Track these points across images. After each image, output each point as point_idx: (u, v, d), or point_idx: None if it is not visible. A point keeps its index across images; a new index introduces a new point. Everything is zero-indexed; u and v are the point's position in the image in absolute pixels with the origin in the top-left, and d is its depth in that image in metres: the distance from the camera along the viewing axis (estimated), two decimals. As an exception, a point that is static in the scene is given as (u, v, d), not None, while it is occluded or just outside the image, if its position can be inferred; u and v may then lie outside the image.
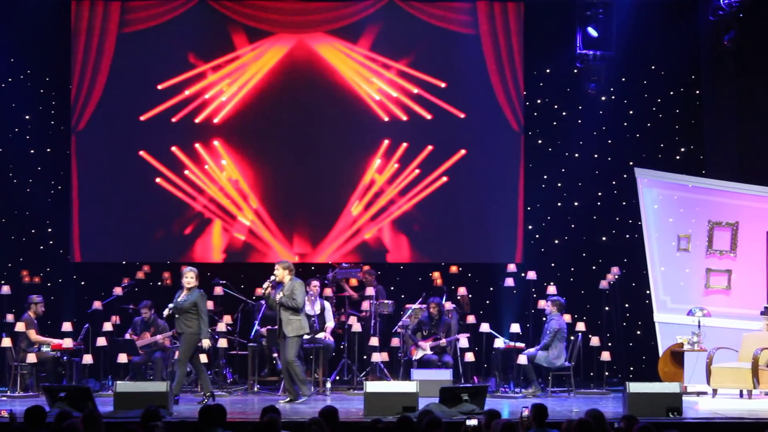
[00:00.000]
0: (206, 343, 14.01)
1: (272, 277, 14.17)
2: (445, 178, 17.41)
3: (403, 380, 14.86)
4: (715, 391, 14.83)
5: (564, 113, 17.74)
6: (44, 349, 15.38)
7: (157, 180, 17.33)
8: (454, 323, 15.99)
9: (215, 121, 17.34)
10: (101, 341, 15.43)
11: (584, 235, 17.63)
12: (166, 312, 14.25)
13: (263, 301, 15.79)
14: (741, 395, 14.81)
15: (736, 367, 14.77)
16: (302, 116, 17.35)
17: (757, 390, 14.60)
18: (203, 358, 15.21)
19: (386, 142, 17.42)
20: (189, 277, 14.07)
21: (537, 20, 17.45)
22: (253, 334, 16.03)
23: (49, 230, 17.43)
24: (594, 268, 17.30)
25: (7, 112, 17.27)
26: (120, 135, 17.28)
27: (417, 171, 17.43)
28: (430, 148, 17.43)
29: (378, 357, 15.50)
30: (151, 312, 15.76)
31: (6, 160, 17.34)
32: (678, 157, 17.57)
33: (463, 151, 17.44)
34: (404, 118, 17.43)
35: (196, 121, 17.33)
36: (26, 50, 17.22)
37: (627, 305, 17.34)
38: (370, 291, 16.23)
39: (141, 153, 17.31)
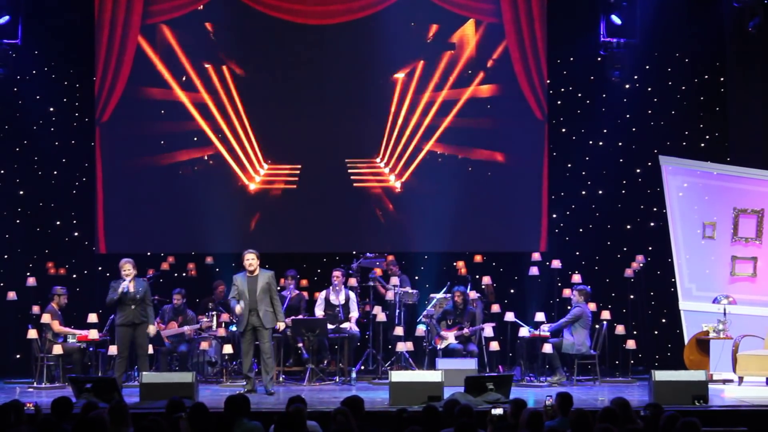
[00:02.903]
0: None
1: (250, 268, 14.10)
2: (469, 168, 17.41)
3: (428, 369, 14.88)
4: (741, 379, 14.76)
5: (588, 101, 17.68)
6: (70, 340, 15.42)
7: (181, 171, 17.37)
8: (478, 312, 15.97)
9: (239, 112, 17.40)
10: (127, 332, 15.49)
11: (609, 224, 17.58)
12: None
13: (285, 292, 15.78)
14: (767, 383, 14.76)
15: (763, 354, 14.71)
16: (325, 107, 17.38)
17: (783, 377, 14.59)
18: (228, 349, 15.26)
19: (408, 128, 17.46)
20: (125, 270, 14.02)
21: (560, 8, 17.41)
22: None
23: (74, 222, 17.50)
24: (619, 256, 17.25)
25: (31, 105, 17.32)
26: (144, 126, 17.33)
27: (440, 160, 17.45)
28: (454, 137, 17.43)
29: (403, 346, 15.48)
30: (182, 300, 15.82)
31: (31, 152, 17.42)
32: (703, 145, 17.50)
33: (486, 140, 17.42)
34: (429, 107, 17.43)
35: (218, 112, 17.40)
36: (50, 42, 17.27)
37: (652, 293, 17.31)
38: (394, 281, 16.23)
39: (164, 143, 17.37)
